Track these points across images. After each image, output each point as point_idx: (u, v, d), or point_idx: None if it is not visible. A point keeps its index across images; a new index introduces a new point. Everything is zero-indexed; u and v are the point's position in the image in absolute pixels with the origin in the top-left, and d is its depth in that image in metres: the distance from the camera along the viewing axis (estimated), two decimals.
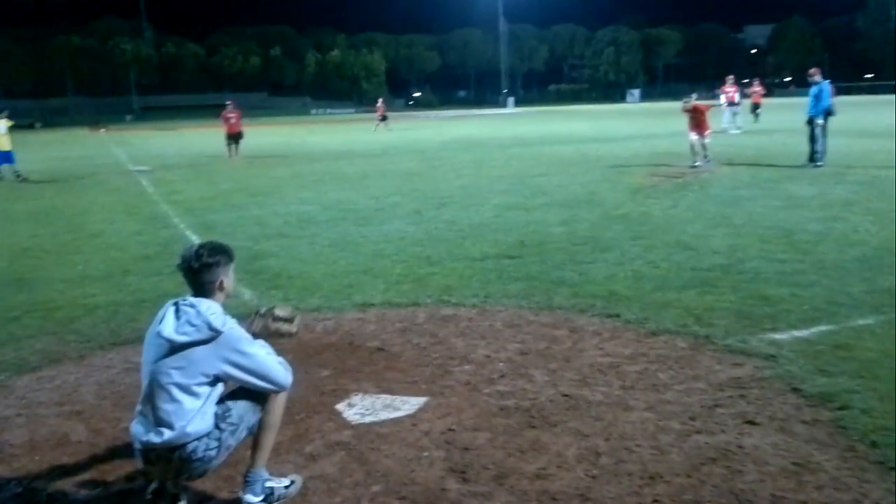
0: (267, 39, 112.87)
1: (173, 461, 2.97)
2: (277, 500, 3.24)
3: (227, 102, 25.77)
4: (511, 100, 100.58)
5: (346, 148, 27.46)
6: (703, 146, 15.77)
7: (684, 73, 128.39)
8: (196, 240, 9.62)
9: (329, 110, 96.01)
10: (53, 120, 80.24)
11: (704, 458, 3.52)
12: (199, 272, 3.09)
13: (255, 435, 3.20)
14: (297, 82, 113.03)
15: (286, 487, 3.29)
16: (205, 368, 2.98)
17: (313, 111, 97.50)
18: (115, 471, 3.62)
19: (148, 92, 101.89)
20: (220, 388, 3.07)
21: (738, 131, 26.74)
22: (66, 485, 3.52)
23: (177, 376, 2.96)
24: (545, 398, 4.26)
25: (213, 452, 3.01)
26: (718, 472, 3.39)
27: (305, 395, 4.44)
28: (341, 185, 15.06)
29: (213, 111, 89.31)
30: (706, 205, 10.78)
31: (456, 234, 9.21)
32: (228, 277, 3.17)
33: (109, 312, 6.29)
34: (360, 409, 4.21)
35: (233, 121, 24.59)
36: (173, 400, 2.95)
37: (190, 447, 2.96)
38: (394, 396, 4.35)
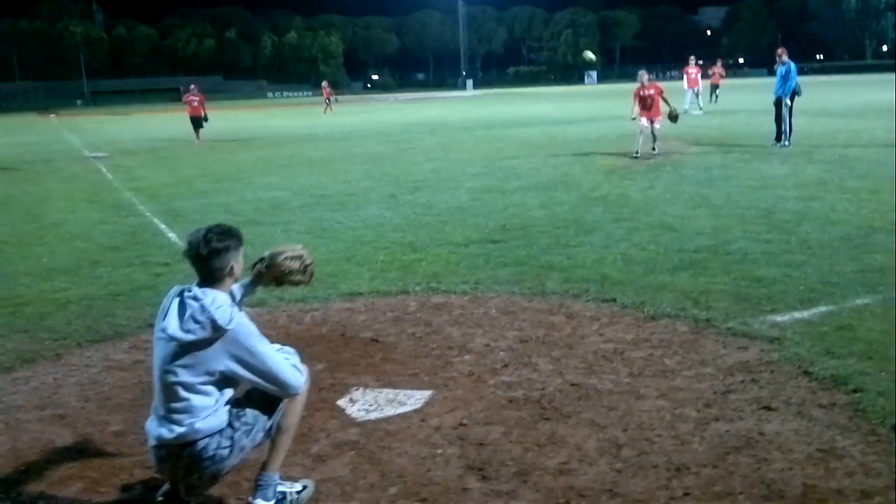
0: (221, 21, 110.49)
1: (183, 458, 2.80)
2: None
3: (191, 86, 25.33)
4: (469, 82, 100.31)
5: (308, 131, 27.00)
6: (654, 134, 14.57)
7: (641, 55, 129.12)
8: (164, 228, 9.32)
9: (286, 93, 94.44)
10: (1, 105, 77.65)
11: (728, 446, 3.42)
12: (208, 259, 2.87)
13: (272, 437, 3.02)
14: (253, 65, 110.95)
15: (298, 493, 3.11)
16: (211, 366, 2.79)
17: (269, 94, 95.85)
18: (108, 479, 3.39)
19: (99, 76, 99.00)
20: (231, 385, 2.87)
21: (699, 112, 26.93)
22: (55, 494, 3.29)
23: (184, 375, 2.78)
24: (553, 388, 4.13)
25: (224, 451, 2.83)
26: (745, 461, 3.29)
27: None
28: (309, 170, 14.74)
29: (166, 95, 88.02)
30: (682, 185, 10.75)
31: (435, 219, 9.03)
32: (238, 263, 2.95)
33: (83, 307, 5.99)
34: (364, 404, 4.03)
35: (195, 104, 24.20)
36: (183, 398, 2.78)
37: (201, 444, 2.79)
38: (397, 390, 4.17)
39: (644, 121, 14.69)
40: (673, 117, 15.18)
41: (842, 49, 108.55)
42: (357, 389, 4.22)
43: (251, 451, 2.99)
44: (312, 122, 32.66)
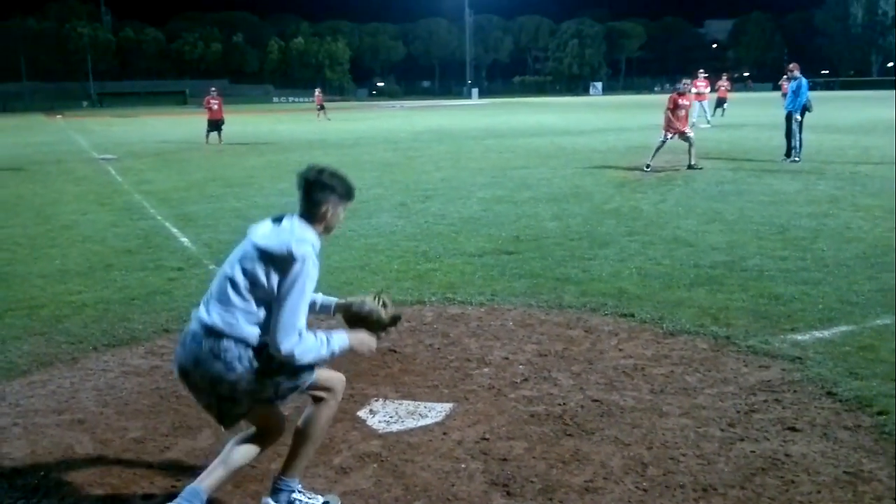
0: (229, 25, 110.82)
1: (203, 349, 2.83)
2: None
3: (212, 89, 25.54)
4: (475, 91, 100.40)
5: (318, 137, 27.03)
6: (692, 146, 14.46)
7: (646, 67, 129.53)
8: (176, 232, 9.33)
9: (292, 98, 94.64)
10: (7, 105, 77.82)
11: (754, 467, 3.39)
12: (311, 187, 3.00)
13: (293, 441, 3.05)
14: (260, 69, 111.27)
15: None
16: (262, 279, 2.84)
17: (276, 99, 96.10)
18: (129, 486, 3.37)
19: (105, 78, 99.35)
20: (268, 306, 2.86)
21: (707, 125, 26.95)
22: (75, 501, 3.26)
23: (240, 277, 2.87)
24: (575, 404, 4.10)
25: (240, 369, 2.82)
26: (772, 482, 3.26)
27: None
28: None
29: (173, 98, 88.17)
30: (695, 200, 10.73)
31: (448, 229, 9.02)
32: (335, 213, 3.04)
33: (99, 311, 5.97)
34: (384, 416, 4.01)
35: (215, 107, 24.42)
36: (230, 295, 2.87)
37: (225, 343, 2.82)
38: (417, 402, 4.15)
39: (670, 134, 14.53)
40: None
41: (848, 64, 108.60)
42: (377, 400, 4.20)
43: (275, 404, 3.00)
44: (320, 128, 32.69)
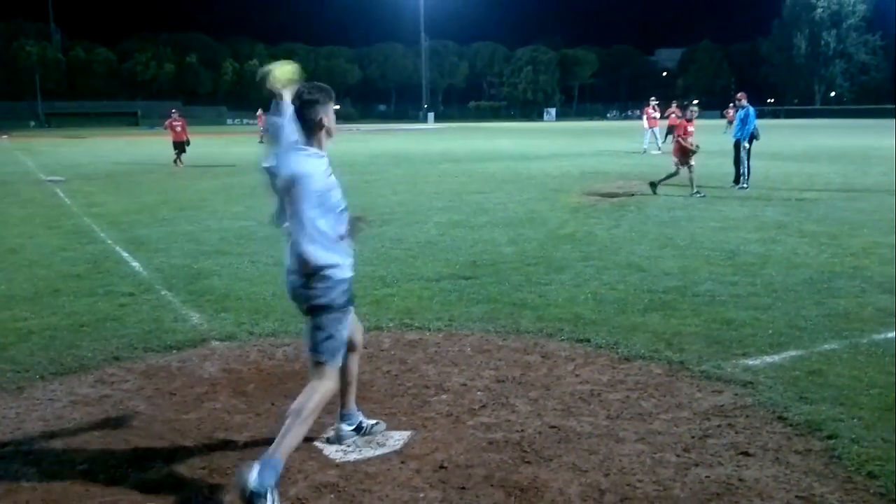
0: (182, 46, 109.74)
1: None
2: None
3: (173, 111, 25.56)
4: (431, 115, 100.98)
5: None
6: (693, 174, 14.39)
7: (599, 94, 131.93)
8: (127, 257, 9.14)
9: (246, 120, 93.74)
10: None
11: (709, 493, 3.44)
12: (301, 110, 3.43)
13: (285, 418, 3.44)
14: (214, 91, 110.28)
15: None
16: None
17: (230, 121, 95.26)
18: None
19: (54, 97, 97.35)
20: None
21: (658, 151, 27.51)
22: None
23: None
24: (533, 430, 4.11)
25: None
26: None
27: (277, 430, 4.15)
28: (274, 199, 14.57)
29: (124, 119, 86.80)
30: (647, 225, 10.91)
31: (405, 253, 9.01)
32: (328, 116, 3.48)
33: (45, 338, 5.80)
34: (342, 445, 3.96)
35: (178, 129, 24.39)
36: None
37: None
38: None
39: (678, 160, 14.48)
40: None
41: (792, 94, 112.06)
42: (334, 429, 4.15)
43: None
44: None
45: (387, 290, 7.19)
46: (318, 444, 3.98)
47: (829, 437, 3.93)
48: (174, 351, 5.54)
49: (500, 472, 3.65)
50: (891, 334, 5.65)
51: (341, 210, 3.52)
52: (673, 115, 33.44)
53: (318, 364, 3.55)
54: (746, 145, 15.95)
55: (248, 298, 7.00)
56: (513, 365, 5.15)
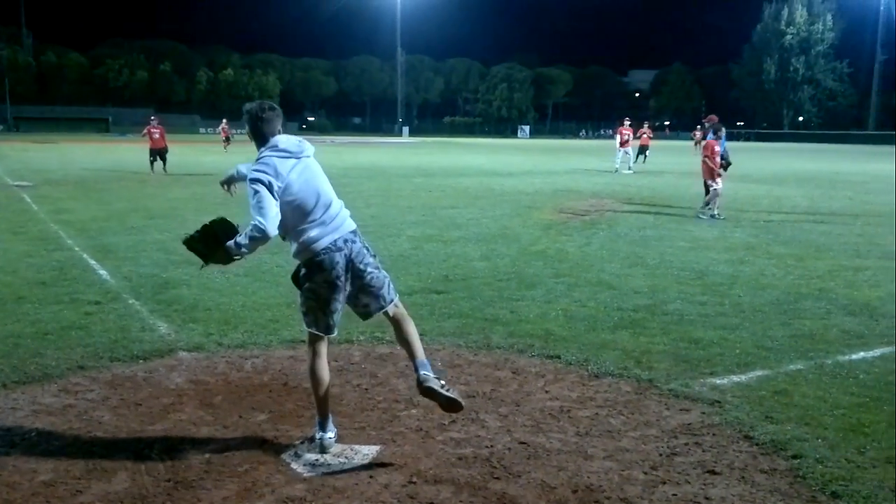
0: (156, 54, 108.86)
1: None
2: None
3: (152, 118, 25.37)
4: (406, 129, 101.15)
5: None
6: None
7: (572, 113, 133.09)
8: (94, 265, 9.03)
9: (219, 129, 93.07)
10: None
11: None
12: (258, 124, 3.99)
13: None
14: (187, 99, 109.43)
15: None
16: None
17: (202, 130, 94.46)
18: None
19: (23, 102, 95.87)
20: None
21: (629, 171, 27.80)
22: None
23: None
24: (502, 446, 4.11)
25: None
26: None
27: (244, 443, 4.12)
28: (245, 210, 14.47)
29: (95, 125, 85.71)
30: (618, 244, 11.01)
31: None
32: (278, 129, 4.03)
33: (9, 346, 5.69)
34: (310, 459, 3.92)
35: (156, 136, 24.17)
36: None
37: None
38: (344, 445, 4.08)
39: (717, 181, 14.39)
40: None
41: (761, 117, 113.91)
42: (302, 443, 4.11)
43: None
44: (249, 160, 32.22)
45: None
46: (285, 457, 3.94)
47: (794, 457, 3.98)
48: (141, 361, 5.46)
49: (469, 487, 3.64)
50: (855, 356, 5.75)
51: None
52: (645, 135, 34.02)
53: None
54: None
55: (217, 309, 6.93)
56: (483, 380, 5.15)
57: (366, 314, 4.19)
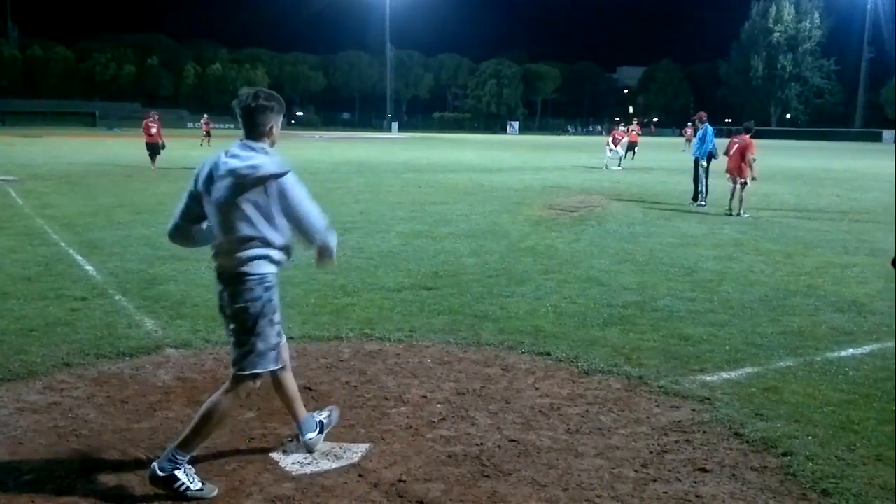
0: (144, 48, 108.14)
1: None
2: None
3: (152, 112, 25.23)
4: (395, 124, 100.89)
5: None
6: (742, 194, 14.27)
7: (562, 109, 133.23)
8: (80, 260, 8.94)
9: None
10: None
11: None
12: (254, 112, 3.40)
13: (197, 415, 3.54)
14: (175, 94, 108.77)
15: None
16: None
17: (190, 124, 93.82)
18: None
19: (9, 95, 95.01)
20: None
21: (619, 168, 27.86)
22: None
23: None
24: (492, 444, 4.09)
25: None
26: None
27: (232, 440, 4.08)
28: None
29: (81, 119, 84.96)
30: (607, 240, 11.01)
31: (367, 262, 8.95)
32: (277, 126, 3.50)
33: None
34: (298, 457, 3.89)
35: (153, 131, 23.94)
36: None
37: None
38: (332, 443, 4.04)
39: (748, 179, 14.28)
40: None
41: (749, 114, 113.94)
42: (291, 441, 4.07)
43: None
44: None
45: (347, 299, 7.13)
46: (273, 455, 3.91)
47: (785, 454, 3.98)
48: (127, 358, 5.40)
49: (459, 486, 3.61)
50: (844, 352, 5.77)
51: None
52: (634, 132, 34.09)
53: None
54: (705, 163, 16.24)
55: (204, 305, 6.87)
56: (473, 377, 5.13)
57: None
